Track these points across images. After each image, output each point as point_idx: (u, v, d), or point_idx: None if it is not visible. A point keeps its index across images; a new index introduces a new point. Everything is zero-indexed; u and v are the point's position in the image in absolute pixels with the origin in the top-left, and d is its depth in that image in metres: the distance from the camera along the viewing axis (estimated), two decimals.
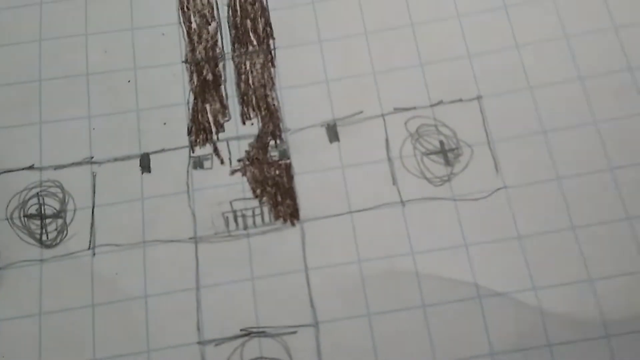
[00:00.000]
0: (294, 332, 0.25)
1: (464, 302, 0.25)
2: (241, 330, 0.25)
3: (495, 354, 0.25)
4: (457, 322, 0.25)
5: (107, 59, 0.31)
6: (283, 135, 0.29)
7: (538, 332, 0.25)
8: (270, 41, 0.31)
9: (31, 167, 0.29)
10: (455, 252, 0.26)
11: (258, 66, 0.31)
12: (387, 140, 0.28)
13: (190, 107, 0.30)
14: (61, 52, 0.31)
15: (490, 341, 0.25)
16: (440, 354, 0.25)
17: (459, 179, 0.27)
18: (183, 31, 0.31)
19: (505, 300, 0.25)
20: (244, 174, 0.28)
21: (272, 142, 0.29)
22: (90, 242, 0.27)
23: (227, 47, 0.31)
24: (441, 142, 0.28)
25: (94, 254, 0.27)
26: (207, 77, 0.30)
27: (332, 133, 0.29)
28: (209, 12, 0.32)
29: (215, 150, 0.29)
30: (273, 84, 0.30)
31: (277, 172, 0.28)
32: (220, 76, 0.31)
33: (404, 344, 0.25)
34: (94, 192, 0.28)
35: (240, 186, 0.28)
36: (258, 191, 0.28)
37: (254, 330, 0.25)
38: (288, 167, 0.28)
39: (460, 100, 0.29)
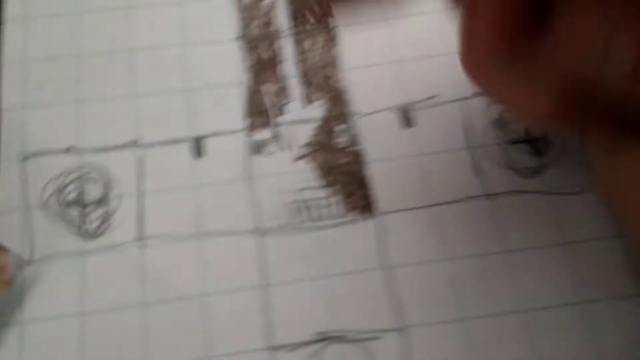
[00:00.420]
0: (377, 338, 0.22)
1: (567, 307, 0.23)
2: (317, 334, 0.23)
3: None
4: (562, 329, 0.23)
5: (153, 34, 0.28)
6: (351, 120, 0.26)
7: None
8: (329, 19, 0.28)
9: (69, 150, 0.26)
10: (552, 251, 0.24)
11: (319, 45, 0.28)
12: (466, 126, 0.26)
13: (246, 88, 0.27)
14: (103, 26, 0.28)
15: (598, 348, 0.22)
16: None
17: (551, 171, 0.25)
18: (235, 6, 0.29)
19: (618, 304, 0.23)
20: (309, 161, 0.26)
21: (339, 127, 0.26)
22: (138, 233, 0.24)
23: (284, 25, 0.28)
24: (526, 130, 0.26)
25: (144, 247, 0.24)
26: (263, 56, 0.28)
27: (406, 118, 0.26)
28: None
29: (276, 134, 0.26)
30: (337, 64, 0.27)
31: (347, 159, 0.26)
32: (278, 55, 0.28)
33: (505, 352, 0.22)
34: (141, 178, 0.25)
35: (306, 174, 0.25)
36: (327, 180, 0.25)
37: (332, 334, 0.22)
38: (359, 155, 0.26)
39: None
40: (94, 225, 0.25)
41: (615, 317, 0.21)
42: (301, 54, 0.28)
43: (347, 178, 0.25)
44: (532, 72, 0.16)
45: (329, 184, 0.25)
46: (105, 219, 0.25)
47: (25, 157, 0.26)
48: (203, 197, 0.25)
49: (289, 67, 0.28)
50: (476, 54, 0.16)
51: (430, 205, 0.25)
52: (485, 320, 0.23)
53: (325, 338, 0.22)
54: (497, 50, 0.16)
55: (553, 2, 0.15)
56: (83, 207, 0.25)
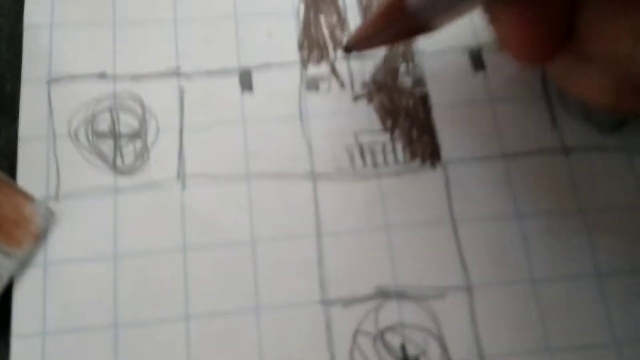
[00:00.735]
0: (442, 296, 0.20)
1: None
2: (375, 288, 0.20)
3: None
4: (638, 294, 0.21)
5: None
6: (416, 59, 0.24)
7: None
8: None
9: (102, 75, 0.23)
10: (631, 213, 0.22)
11: None
12: (543, 74, 0.23)
13: (302, 18, 0.24)
14: None
15: None
16: (620, 330, 0.20)
17: (632, 128, 0.23)
18: None
19: None
20: (370, 101, 0.23)
21: (403, 66, 0.24)
22: (178, 171, 0.22)
23: None
24: None
25: (184, 186, 0.22)
26: None
27: (477, 60, 0.24)
28: None
29: (334, 70, 0.23)
30: None
31: (411, 102, 0.23)
32: None
33: (576, 317, 0.20)
34: (182, 111, 0.23)
35: (366, 116, 0.23)
36: (388, 123, 0.23)
37: (392, 290, 0.20)
38: (425, 97, 0.23)
39: None
40: (129, 159, 0.22)
41: None
42: None
43: (410, 122, 0.23)
44: (584, 69, 0.18)
45: (391, 128, 0.23)
46: (142, 154, 0.22)
47: (51, 80, 0.23)
48: (251, 135, 0.22)
49: None
50: (526, 60, 0.18)
51: (500, 156, 0.22)
52: (556, 283, 0.21)
53: (384, 293, 0.20)
54: (537, 59, 0.18)
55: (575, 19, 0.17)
56: (116, 140, 0.22)
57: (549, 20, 0.17)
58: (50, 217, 0.21)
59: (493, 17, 0.18)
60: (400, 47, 0.24)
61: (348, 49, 0.21)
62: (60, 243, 0.21)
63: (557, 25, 0.17)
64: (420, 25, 0.18)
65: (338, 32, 0.24)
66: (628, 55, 0.17)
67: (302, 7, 0.24)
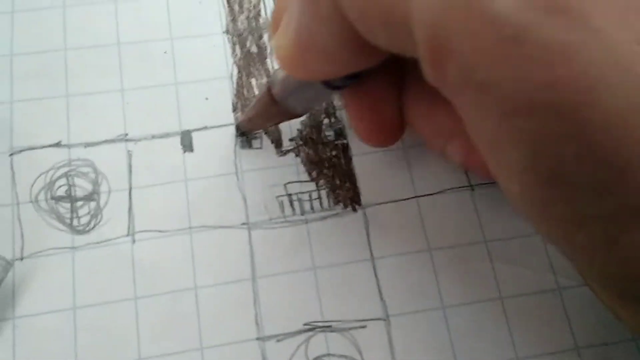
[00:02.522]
0: (364, 327, 0.23)
1: (544, 294, 0.24)
2: (304, 324, 0.23)
3: (580, 348, 0.23)
4: (538, 315, 0.23)
5: (140, 27, 0.28)
6: (337, 114, 0.27)
7: None
8: None
9: (58, 144, 0.26)
10: (530, 240, 0.25)
11: None
12: None
13: (235, 82, 0.27)
14: (89, 20, 0.28)
15: (575, 335, 0.23)
16: (522, 348, 0.23)
17: None
18: None
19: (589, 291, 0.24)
20: (297, 155, 0.26)
21: (326, 121, 0.27)
22: (128, 227, 0.25)
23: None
24: None
25: (134, 241, 0.24)
26: (252, 49, 0.28)
27: None
28: None
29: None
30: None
31: (334, 152, 0.26)
32: (266, 48, 0.28)
33: (482, 338, 0.23)
34: (131, 173, 0.26)
35: (294, 168, 0.26)
36: (314, 173, 0.26)
37: (319, 324, 0.23)
38: (345, 148, 0.26)
39: None
40: (84, 220, 0.25)
41: (588, 302, 0.22)
42: None
43: (333, 171, 0.26)
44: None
45: (316, 178, 0.26)
46: (95, 214, 0.25)
47: (14, 152, 0.26)
48: (192, 191, 0.25)
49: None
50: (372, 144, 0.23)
51: (414, 197, 0.25)
52: (464, 308, 0.24)
53: (312, 328, 0.23)
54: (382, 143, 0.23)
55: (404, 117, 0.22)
56: (73, 202, 0.25)
57: (382, 110, 0.21)
58: (7, 266, 0.23)
59: (343, 106, 0.22)
60: (323, 104, 0.27)
61: (239, 132, 0.25)
62: (27, 299, 0.24)
63: (389, 115, 0.21)
64: (289, 111, 0.22)
65: None
66: (441, 148, 0.21)
67: (235, 72, 0.27)
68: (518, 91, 0.13)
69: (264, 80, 0.27)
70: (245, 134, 0.26)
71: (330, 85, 0.20)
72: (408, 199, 0.25)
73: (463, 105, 0.15)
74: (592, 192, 0.14)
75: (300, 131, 0.26)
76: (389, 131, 0.22)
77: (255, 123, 0.25)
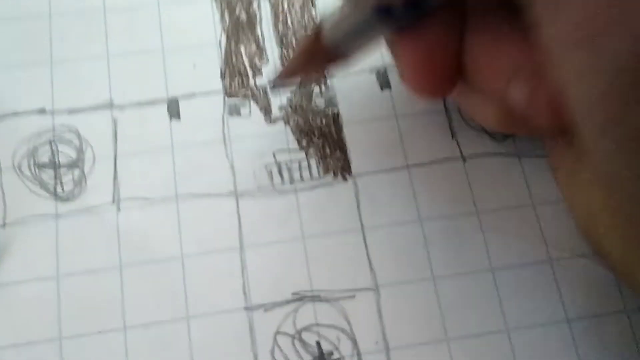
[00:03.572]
0: (352, 296, 0.23)
1: (536, 265, 0.23)
2: (293, 294, 0.23)
3: (571, 321, 0.23)
4: (528, 286, 0.23)
5: None
6: (328, 82, 0.26)
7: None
8: None
9: (42, 111, 0.25)
10: (521, 212, 0.24)
11: (297, 6, 0.28)
12: None
13: (223, 49, 0.27)
14: None
15: (565, 307, 0.23)
16: (512, 319, 0.23)
17: (522, 135, 0.25)
18: None
19: (580, 262, 0.23)
20: (286, 123, 0.25)
21: (316, 89, 0.26)
22: (113, 195, 0.24)
23: None
24: None
25: (119, 209, 0.24)
26: (241, 16, 0.27)
27: (384, 79, 0.26)
28: None
29: (253, 95, 0.26)
30: (314, 25, 0.27)
31: (324, 121, 0.25)
32: (256, 15, 0.27)
33: (472, 309, 0.23)
34: (116, 140, 0.25)
35: (283, 136, 0.25)
36: (304, 142, 0.25)
37: (308, 294, 0.23)
38: (336, 116, 0.26)
39: None
40: (68, 187, 0.24)
41: (579, 274, 0.22)
42: (279, 14, 0.27)
43: (324, 140, 0.25)
44: (474, 98, 0.21)
45: (306, 147, 0.25)
46: (80, 181, 0.24)
47: None
48: (179, 159, 0.25)
49: (267, 28, 0.27)
50: (422, 94, 0.21)
51: (405, 167, 0.25)
52: (454, 279, 0.23)
53: (301, 298, 0.23)
54: (433, 94, 0.21)
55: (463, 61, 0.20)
56: (56, 170, 0.25)
57: (440, 57, 0.19)
58: None
59: (392, 54, 0.21)
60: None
61: (275, 86, 0.24)
62: (9, 267, 0.23)
63: (447, 62, 0.19)
64: (337, 57, 0.21)
65: (257, 60, 0.26)
66: (502, 91, 0.19)
67: (223, 38, 0.27)
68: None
69: (253, 48, 0.27)
70: (278, 86, 0.24)
71: (391, 19, 0.18)
72: (399, 168, 0.25)
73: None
74: None
75: (290, 99, 0.26)
76: (447, 80, 0.20)
77: (299, 71, 0.23)
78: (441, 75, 0.20)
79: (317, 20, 0.27)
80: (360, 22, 0.19)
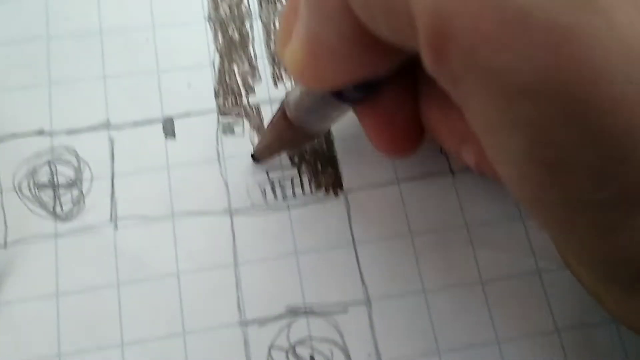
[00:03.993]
0: (345, 310, 0.23)
1: (525, 277, 0.24)
2: (286, 308, 0.23)
3: (560, 330, 0.23)
4: (518, 297, 0.24)
5: (121, 15, 0.28)
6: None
7: None
8: None
9: (40, 132, 0.26)
10: (510, 224, 0.25)
11: None
12: None
13: (217, 68, 0.27)
14: (70, 7, 0.28)
15: (555, 317, 0.23)
16: (503, 330, 0.23)
17: None
18: None
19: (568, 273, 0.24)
20: None
21: None
22: (111, 214, 0.25)
23: (254, 5, 0.29)
24: None
25: (117, 227, 0.25)
26: (234, 37, 0.28)
27: None
28: None
29: (246, 114, 0.26)
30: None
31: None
32: (248, 35, 0.28)
33: (463, 321, 0.23)
34: (113, 160, 0.26)
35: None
36: (296, 159, 0.26)
37: (301, 308, 0.23)
38: (327, 133, 0.26)
39: None
40: (67, 207, 0.25)
41: (567, 284, 0.22)
42: (271, 34, 0.28)
43: (315, 157, 0.26)
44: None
45: (298, 164, 0.26)
46: (78, 201, 0.25)
47: None
48: (175, 177, 0.25)
49: (259, 47, 0.28)
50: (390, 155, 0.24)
51: (395, 182, 0.25)
52: (445, 292, 0.24)
53: (294, 312, 0.23)
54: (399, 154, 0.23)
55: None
56: (55, 190, 0.25)
57: (396, 122, 0.21)
58: None
59: (359, 121, 0.22)
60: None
61: (255, 159, 0.25)
62: (10, 285, 0.24)
63: (405, 125, 0.21)
64: (305, 132, 0.23)
65: (250, 79, 0.27)
66: (457, 152, 0.20)
67: (217, 58, 0.27)
68: (521, 75, 0.13)
69: (246, 67, 0.27)
70: (259, 161, 0.25)
71: (345, 98, 0.20)
72: (390, 184, 0.25)
73: (463, 93, 0.15)
74: (593, 178, 0.14)
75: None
76: (408, 141, 0.22)
77: (272, 149, 0.24)
78: (401, 137, 0.22)
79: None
80: (319, 101, 0.21)
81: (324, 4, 0.17)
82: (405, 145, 0.22)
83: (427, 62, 0.15)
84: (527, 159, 0.14)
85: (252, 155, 0.25)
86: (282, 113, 0.22)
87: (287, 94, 0.22)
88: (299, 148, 0.25)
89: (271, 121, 0.24)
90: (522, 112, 0.14)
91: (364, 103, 0.21)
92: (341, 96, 0.20)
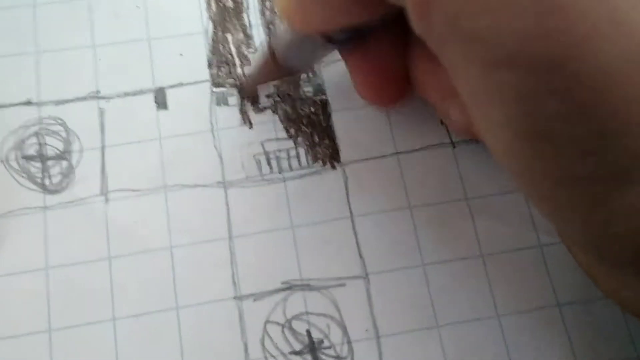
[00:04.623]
0: (342, 285, 0.23)
1: (525, 251, 0.23)
2: (282, 283, 0.23)
3: (562, 305, 0.23)
4: (519, 272, 0.23)
5: None
6: (316, 69, 0.26)
7: None
8: None
9: (28, 103, 0.25)
10: (511, 197, 0.24)
11: None
12: None
13: (210, 37, 0.26)
14: None
15: (556, 292, 0.23)
16: (503, 305, 0.23)
17: None
18: None
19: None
20: (274, 112, 0.25)
21: (304, 76, 0.26)
22: (101, 186, 0.24)
23: None
24: None
25: (107, 200, 0.24)
26: (227, 4, 0.27)
27: None
28: None
29: (241, 84, 0.26)
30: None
31: (312, 109, 0.25)
32: (242, 3, 0.27)
33: (462, 295, 0.23)
34: (103, 131, 0.25)
35: (272, 125, 0.25)
36: (292, 131, 0.25)
37: (297, 283, 0.23)
38: (324, 104, 0.25)
39: None
40: (56, 179, 0.24)
41: (569, 259, 0.22)
42: (265, 1, 0.27)
43: (312, 128, 0.25)
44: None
45: (294, 135, 0.25)
46: (67, 173, 0.24)
47: None
48: (167, 149, 0.25)
49: (254, 15, 0.27)
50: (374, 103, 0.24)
51: (394, 154, 0.25)
52: (444, 266, 0.23)
53: (290, 287, 0.23)
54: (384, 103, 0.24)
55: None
56: (44, 161, 0.25)
57: (385, 70, 0.21)
58: None
59: (346, 65, 0.22)
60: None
61: (242, 94, 0.25)
62: None
63: (392, 74, 0.21)
64: (290, 68, 0.23)
65: (244, 49, 0.26)
66: (442, 107, 0.21)
67: (210, 27, 0.27)
68: (504, 42, 0.13)
69: (240, 36, 0.26)
70: (247, 96, 0.25)
71: (333, 41, 0.20)
72: (388, 155, 0.25)
73: (448, 57, 0.15)
74: (576, 151, 0.13)
75: (277, 87, 0.25)
76: (394, 90, 0.21)
77: (256, 81, 0.24)
78: (387, 86, 0.21)
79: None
80: (309, 44, 0.21)
81: None
82: (390, 94, 0.22)
83: (414, 22, 0.15)
84: (511, 130, 0.14)
85: (239, 91, 0.25)
86: (268, 48, 0.22)
87: (276, 30, 0.22)
88: (279, 78, 0.25)
89: (257, 55, 0.24)
90: (503, 82, 0.13)
91: (353, 48, 0.21)
92: (329, 38, 0.20)
